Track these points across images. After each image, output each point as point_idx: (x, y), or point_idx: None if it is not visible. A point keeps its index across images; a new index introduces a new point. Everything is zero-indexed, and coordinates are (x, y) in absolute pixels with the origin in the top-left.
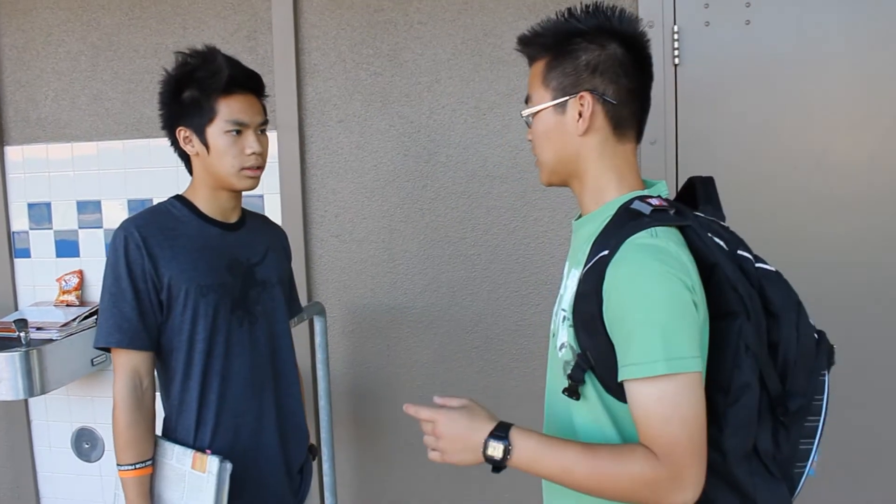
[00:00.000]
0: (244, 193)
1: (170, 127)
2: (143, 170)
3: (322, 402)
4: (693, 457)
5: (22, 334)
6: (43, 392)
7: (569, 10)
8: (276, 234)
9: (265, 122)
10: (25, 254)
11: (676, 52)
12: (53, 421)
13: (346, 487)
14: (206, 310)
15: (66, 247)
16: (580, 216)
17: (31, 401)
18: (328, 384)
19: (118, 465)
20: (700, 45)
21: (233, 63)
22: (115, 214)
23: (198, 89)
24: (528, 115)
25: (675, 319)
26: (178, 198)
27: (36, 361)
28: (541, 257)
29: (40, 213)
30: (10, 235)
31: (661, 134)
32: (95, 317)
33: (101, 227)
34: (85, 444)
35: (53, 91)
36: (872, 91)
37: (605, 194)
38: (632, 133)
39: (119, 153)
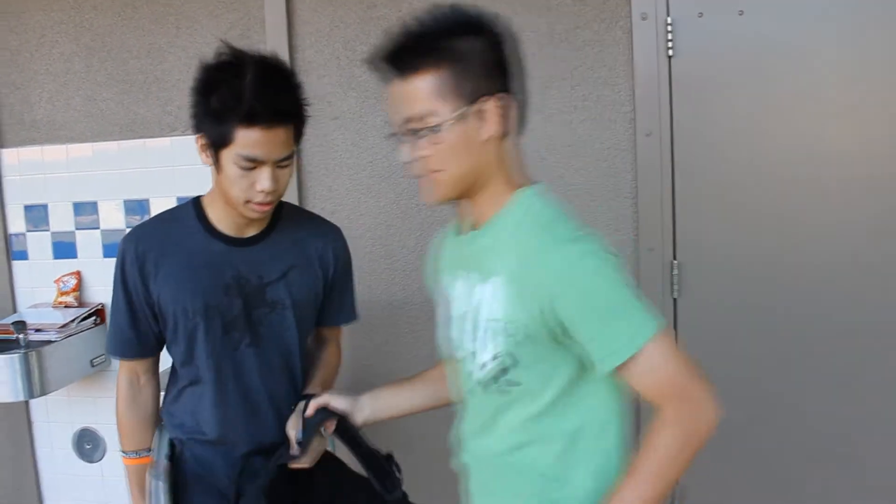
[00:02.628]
0: None
1: (193, 125)
2: (138, 170)
3: None
4: (699, 378)
5: (21, 336)
6: (43, 393)
7: (429, 15)
8: (317, 247)
9: (289, 157)
10: (23, 256)
11: (670, 44)
12: (55, 422)
13: None
14: (192, 332)
15: (64, 248)
16: (474, 227)
17: (32, 402)
18: None
19: (121, 451)
20: (694, 36)
21: (260, 90)
22: (112, 215)
23: (219, 105)
24: (425, 132)
25: (630, 291)
26: (196, 203)
27: (35, 363)
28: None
29: (37, 215)
30: (7, 238)
31: (656, 126)
32: (94, 318)
33: (97, 228)
34: (87, 444)
35: (48, 93)
36: (865, 80)
37: (507, 196)
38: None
39: (114, 154)
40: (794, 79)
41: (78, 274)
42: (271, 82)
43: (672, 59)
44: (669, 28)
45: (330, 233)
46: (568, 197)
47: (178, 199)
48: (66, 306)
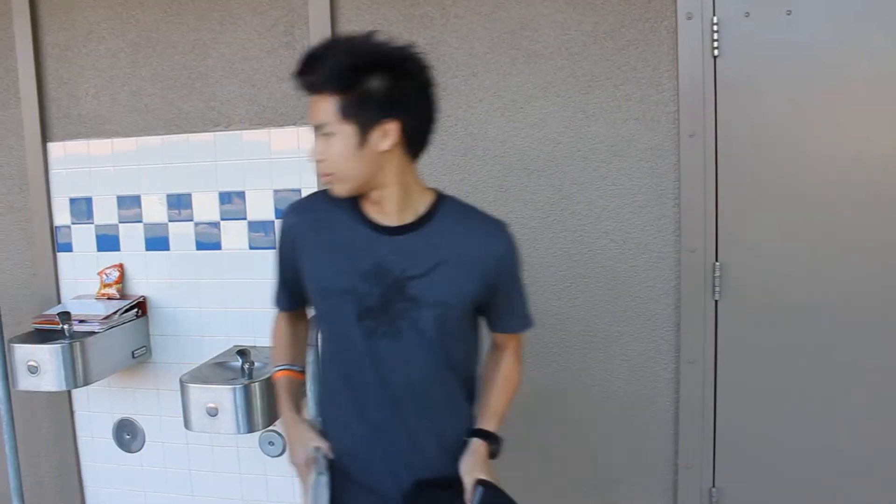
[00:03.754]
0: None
1: None
2: (181, 165)
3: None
4: None
5: (65, 327)
6: (86, 383)
7: (347, 44)
8: (475, 245)
9: (324, 126)
10: (67, 248)
11: (716, 44)
12: (95, 412)
13: None
14: (328, 313)
15: (107, 241)
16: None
17: (74, 392)
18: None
19: (273, 368)
20: (740, 36)
21: (303, 60)
22: (154, 209)
23: None
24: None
25: None
26: None
27: (79, 353)
28: (579, 250)
29: (81, 208)
30: (52, 230)
31: (700, 127)
32: (136, 310)
33: (140, 222)
34: (126, 434)
35: (94, 88)
36: None
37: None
38: None
39: (158, 148)
40: (843, 81)
41: (121, 266)
42: (313, 51)
43: (717, 60)
44: (715, 28)
45: (492, 231)
46: (610, 197)
47: (220, 193)
48: (108, 298)
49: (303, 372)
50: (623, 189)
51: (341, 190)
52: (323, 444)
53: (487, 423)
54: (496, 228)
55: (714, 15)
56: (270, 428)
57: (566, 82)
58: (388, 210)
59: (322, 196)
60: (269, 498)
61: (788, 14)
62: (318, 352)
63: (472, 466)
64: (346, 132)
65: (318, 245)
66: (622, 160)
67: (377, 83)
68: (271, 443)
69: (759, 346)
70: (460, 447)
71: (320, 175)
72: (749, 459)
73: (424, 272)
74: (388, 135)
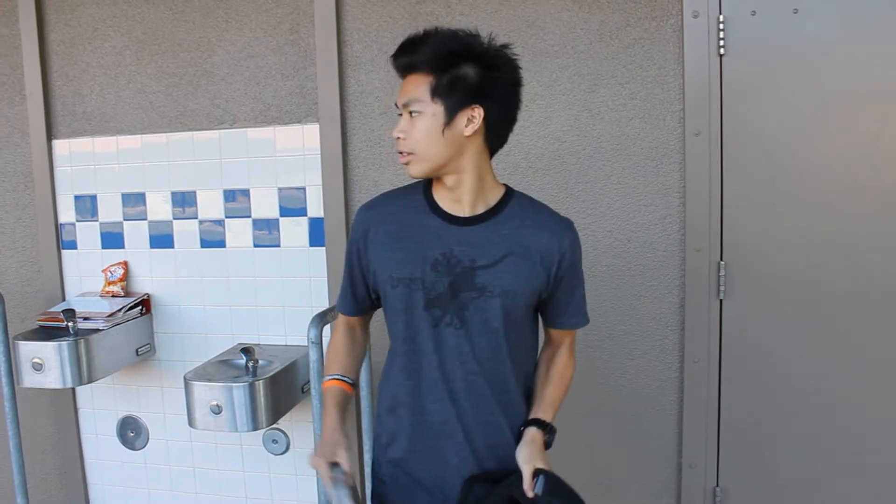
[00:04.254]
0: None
1: None
2: (186, 162)
3: (363, 393)
4: None
5: (70, 324)
6: (90, 381)
7: (449, 34)
8: (541, 239)
9: (413, 103)
10: (72, 245)
11: (722, 43)
12: (99, 409)
13: None
14: (395, 302)
15: (112, 238)
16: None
17: (78, 389)
18: (370, 374)
19: (325, 377)
20: (746, 34)
21: (402, 43)
22: (159, 206)
23: None
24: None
25: None
26: (427, 180)
27: (83, 351)
28: (584, 248)
29: (86, 206)
30: (57, 227)
31: (706, 125)
32: (140, 307)
33: (145, 220)
34: (130, 432)
35: (99, 85)
36: None
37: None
38: None
39: (163, 146)
40: (850, 79)
41: (125, 264)
42: (415, 36)
43: (723, 58)
44: (721, 26)
45: (559, 227)
46: (615, 195)
47: (225, 191)
48: (113, 296)
49: (353, 384)
50: (628, 188)
51: (418, 170)
52: (346, 463)
53: (544, 413)
54: (564, 225)
55: (720, 13)
56: (274, 426)
57: (572, 80)
58: (463, 198)
59: (391, 193)
60: (272, 496)
61: (795, 13)
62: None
63: (531, 455)
64: (434, 111)
65: (388, 237)
66: (627, 159)
67: (471, 69)
68: (275, 441)
69: (764, 345)
70: (511, 445)
71: (400, 154)
72: (753, 459)
73: (493, 262)
74: (473, 120)
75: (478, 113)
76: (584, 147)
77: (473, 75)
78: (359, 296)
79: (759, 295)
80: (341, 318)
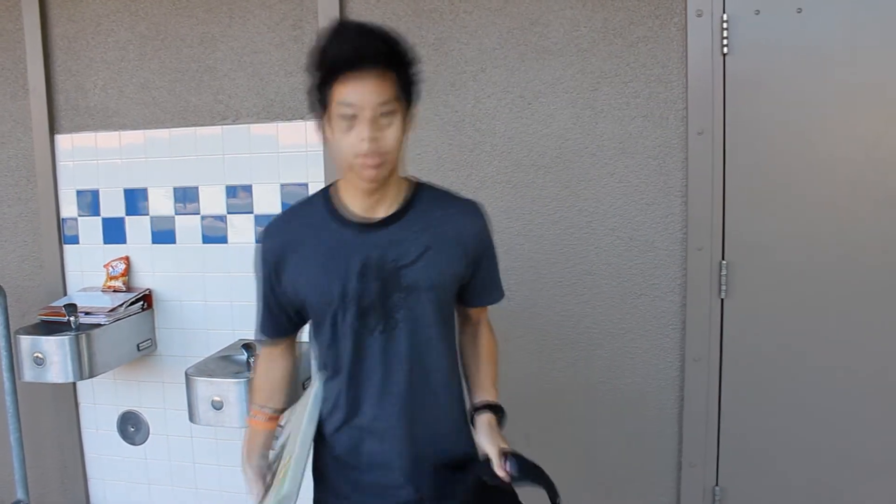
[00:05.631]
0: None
1: (309, 109)
2: (188, 158)
3: None
4: None
5: (72, 319)
6: (91, 375)
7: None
8: (455, 226)
9: (386, 104)
10: (74, 240)
11: (725, 42)
12: (100, 404)
13: None
14: (328, 319)
15: (114, 233)
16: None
17: (79, 384)
18: None
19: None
20: (750, 33)
21: (341, 40)
22: (161, 202)
23: (314, 69)
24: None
25: None
26: (326, 190)
27: (85, 345)
28: (585, 247)
29: (88, 201)
30: (59, 221)
31: (709, 124)
32: (142, 303)
33: (147, 215)
34: (130, 427)
35: (102, 80)
36: None
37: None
38: None
39: (165, 141)
40: (853, 79)
41: (127, 259)
42: (365, 28)
43: (727, 57)
44: (725, 25)
45: (468, 209)
46: (617, 194)
47: (227, 187)
48: (114, 290)
49: (277, 413)
50: (630, 186)
51: (382, 175)
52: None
53: (489, 394)
54: (471, 207)
55: (724, 12)
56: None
57: (575, 79)
58: (385, 199)
59: (289, 215)
60: None
61: (799, 12)
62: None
63: (493, 439)
64: (400, 111)
65: (303, 260)
66: (630, 157)
67: (415, 67)
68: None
69: (765, 345)
70: (454, 434)
71: (370, 158)
72: (753, 459)
73: (415, 258)
74: (414, 119)
75: (417, 112)
76: (587, 146)
77: (417, 73)
78: (279, 321)
79: (761, 294)
80: (264, 349)
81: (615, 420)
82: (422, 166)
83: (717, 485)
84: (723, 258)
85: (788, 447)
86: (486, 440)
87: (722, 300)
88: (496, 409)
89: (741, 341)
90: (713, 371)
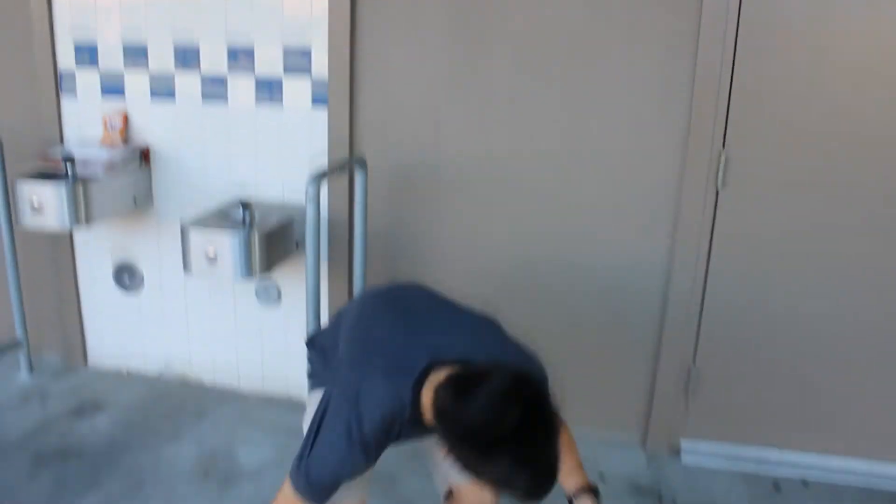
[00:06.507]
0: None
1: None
2: (189, 12)
3: (357, 259)
4: None
5: (68, 166)
6: (87, 223)
7: None
8: None
9: None
10: (72, 92)
11: None
12: (96, 254)
13: None
14: None
15: (112, 87)
16: None
17: (76, 235)
18: (364, 242)
19: None
20: None
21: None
22: (161, 58)
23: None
24: None
25: None
26: (417, 399)
27: (82, 194)
28: (588, 126)
29: (86, 54)
30: (56, 74)
31: (723, 19)
32: (140, 159)
33: (146, 69)
34: (126, 276)
35: None
36: None
37: None
38: None
39: None
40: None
41: (125, 115)
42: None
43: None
44: None
45: None
46: (623, 81)
47: (228, 47)
48: (112, 145)
49: None
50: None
51: None
52: None
53: (581, 477)
54: None
55: None
56: (266, 279)
57: None
58: None
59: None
60: (262, 343)
61: None
62: None
63: None
64: None
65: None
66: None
67: None
68: (267, 290)
69: (756, 235)
70: None
71: None
72: (732, 343)
73: None
74: None
75: None
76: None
77: None
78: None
79: (755, 186)
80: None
81: (602, 297)
82: (430, 40)
83: (693, 364)
84: (723, 147)
85: (768, 335)
86: None
87: (717, 191)
88: (594, 492)
89: (733, 231)
90: (701, 257)
